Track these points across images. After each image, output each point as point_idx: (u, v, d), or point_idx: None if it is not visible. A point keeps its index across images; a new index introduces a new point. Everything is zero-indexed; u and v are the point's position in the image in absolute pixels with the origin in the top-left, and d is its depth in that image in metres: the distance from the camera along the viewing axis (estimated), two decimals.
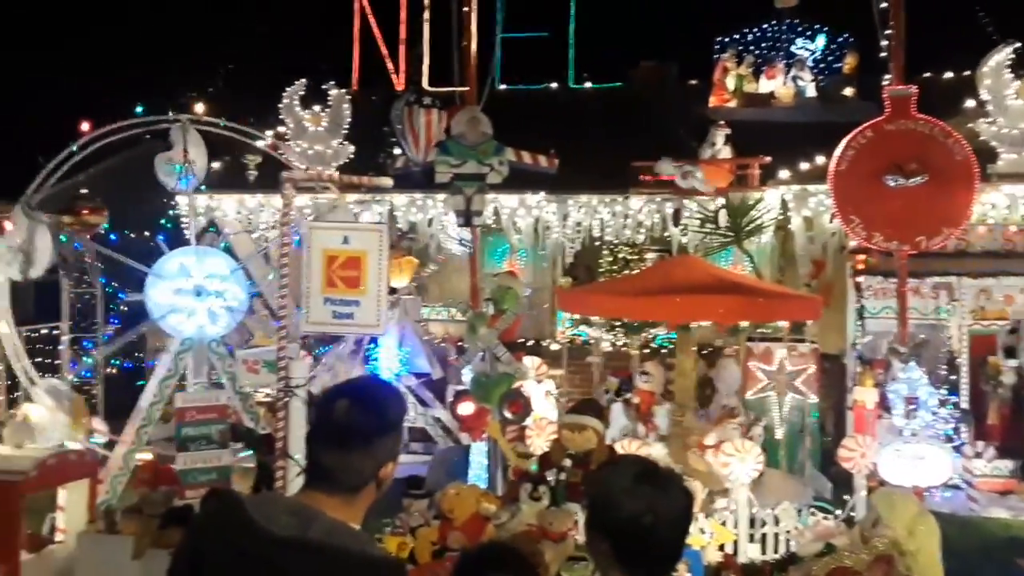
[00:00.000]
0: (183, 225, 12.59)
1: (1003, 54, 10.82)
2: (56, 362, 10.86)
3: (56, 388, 8.56)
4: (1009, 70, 10.76)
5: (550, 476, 6.34)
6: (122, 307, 10.98)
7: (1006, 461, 9.85)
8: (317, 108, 11.49)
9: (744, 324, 9.75)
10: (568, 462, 6.42)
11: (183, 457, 7.14)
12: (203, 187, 9.91)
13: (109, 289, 11.24)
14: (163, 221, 12.79)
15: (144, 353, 12.46)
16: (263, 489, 6.23)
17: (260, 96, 12.52)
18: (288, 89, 10.92)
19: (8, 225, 8.23)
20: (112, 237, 8.59)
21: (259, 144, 9.62)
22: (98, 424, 8.95)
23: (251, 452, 7.42)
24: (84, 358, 10.29)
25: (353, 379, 2.68)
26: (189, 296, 8.32)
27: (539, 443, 8.03)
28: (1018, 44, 10.84)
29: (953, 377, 10.37)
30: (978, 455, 9.95)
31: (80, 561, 5.05)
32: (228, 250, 9.39)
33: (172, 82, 12.66)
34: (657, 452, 7.84)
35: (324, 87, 11.94)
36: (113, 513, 5.45)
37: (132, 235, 10.51)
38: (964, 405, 10.27)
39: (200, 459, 7.25)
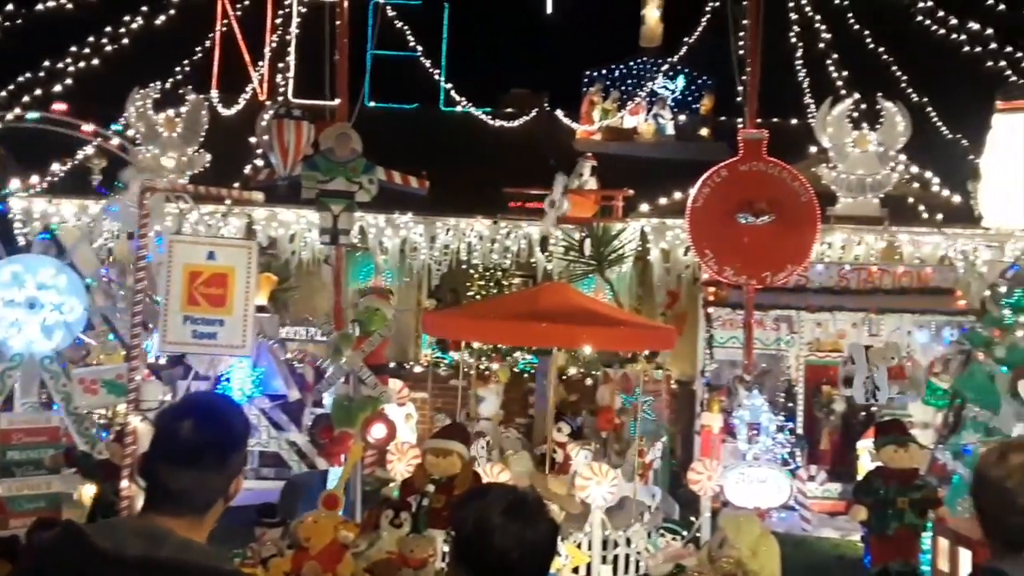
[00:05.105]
0: (16, 231, 11.64)
1: (844, 105, 11.80)
2: None
3: None
4: (849, 121, 11.73)
5: (412, 502, 6.24)
6: None
7: (836, 484, 10.53)
8: (171, 112, 10.90)
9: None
10: (431, 487, 6.36)
11: (8, 483, 6.55)
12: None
13: None
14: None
15: None
16: (99, 518, 5.76)
17: (114, 98, 11.76)
18: (141, 91, 10.25)
19: None
20: None
21: (113, 142, 8.96)
22: None
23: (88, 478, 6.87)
24: None
25: (191, 396, 2.59)
26: (21, 308, 7.61)
27: (400, 468, 7.90)
28: (857, 96, 11.84)
29: (790, 404, 11.07)
30: (811, 478, 10.59)
31: None
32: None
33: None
34: (519, 473, 7.88)
35: (181, 92, 11.39)
36: None
37: None
38: (799, 431, 10.96)
39: (27, 485, 6.69)
